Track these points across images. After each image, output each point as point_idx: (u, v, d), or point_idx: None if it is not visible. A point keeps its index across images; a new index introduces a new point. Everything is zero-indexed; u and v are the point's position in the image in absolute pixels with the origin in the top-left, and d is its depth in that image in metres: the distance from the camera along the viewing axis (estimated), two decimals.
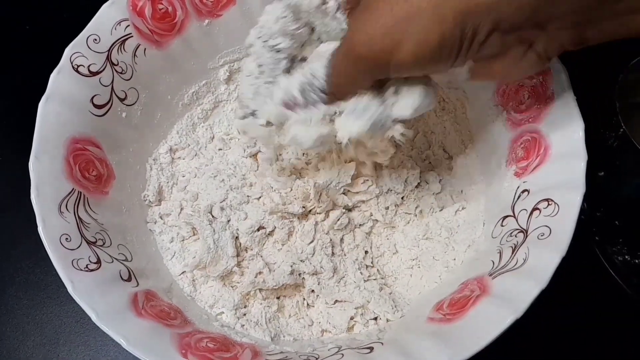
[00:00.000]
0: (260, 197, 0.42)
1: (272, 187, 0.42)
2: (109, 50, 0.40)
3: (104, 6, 0.40)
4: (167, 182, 0.44)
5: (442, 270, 0.41)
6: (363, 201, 0.43)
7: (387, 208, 0.43)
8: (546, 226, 0.34)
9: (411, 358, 0.31)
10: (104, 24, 0.40)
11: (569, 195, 0.34)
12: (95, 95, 0.39)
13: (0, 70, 0.56)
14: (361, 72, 0.32)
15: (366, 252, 0.42)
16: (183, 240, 0.42)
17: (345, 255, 0.42)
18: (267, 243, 0.42)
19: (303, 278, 0.41)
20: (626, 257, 0.43)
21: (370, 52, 0.30)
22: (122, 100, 0.41)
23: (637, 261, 0.43)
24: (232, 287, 0.40)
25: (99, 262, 0.34)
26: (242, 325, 0.38)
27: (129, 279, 0.35)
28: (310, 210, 0.42)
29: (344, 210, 0.42)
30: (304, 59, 0.35)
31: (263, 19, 0.35)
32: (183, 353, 0.31)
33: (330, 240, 0.41)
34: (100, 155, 0.39)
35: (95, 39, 0.39)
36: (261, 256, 0.41)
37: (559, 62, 0.36)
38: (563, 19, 0.28)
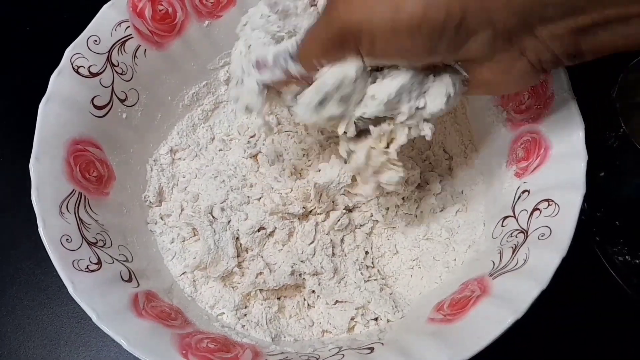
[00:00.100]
0: (260, 198, 0.42)
1: (272, 188, 0.42)
2: (109, 51, 0.40)
3: (104, 7, 0.40)
4: (168, 183, 0.44)
5: (442, 270, 0.41)
6: (363, 202, 0.43)
7: (387, 209, 0.43)
8: (546, 226, 0.34)
9: (412, 358, 0.31)
10: (104, 25, 0.40)
11: (569, 195, 0.34)
12: (95, 97, 0.39)
13: (0, 70, 0.56)
14: (330, 38, 0.30)
15: (366, 252, 0.42)
16: (184, 241, 0.42)
17: (345, 255, 0.42)
18: (268, 244, 0.42)
19: (303, 279, 0.41)
20: (626, 257, 0.43)
21: (343, 13, 0.28)
22: (122, 101, 0.41)
23: (637, 261, 0.43)
24: (232, 287, 0.40)
25: (99, 262, 0.34)
26: (243, 326, 0.38)
27: (129, 280, 0.35)
28: (310, 211, 0.42)
29: (344, 210, 0.42)
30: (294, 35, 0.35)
31: (252, 11, 0.35)
32: (184, 353, 0.31)
33: (331, 240, 0.41)
34: (101, 156, 0.39)
35: (96, 40, 0.39)
36: (262, 257, 0.41)
37: None
38: (554, 22, 0.27)
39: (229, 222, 0.41)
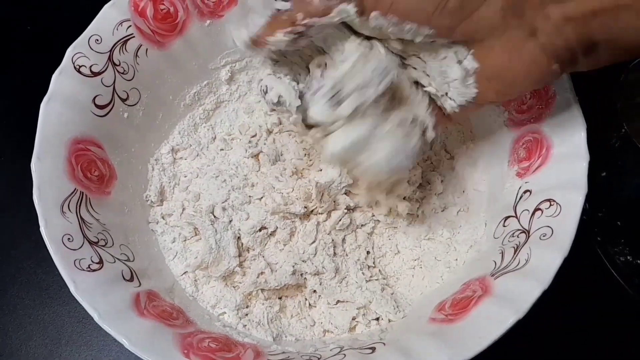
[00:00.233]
0: (262, 198, 0.42)
1: (273, 187, 0.42)
2: (110, 51, 0.40)
3: (106, 6, 0.40)
4: (169, 183, 0.44)
5: (444, 270, 0.41)
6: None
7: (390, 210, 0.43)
8: (548, 226, 0.34)
9: (413, 358, 0.31)
10: (105, 24, 0.40)
11: (571, 195, 0.34)
12: (97, 96, 0.39)
13: (0, 70, 0.56)
14: None
15: (368, 252, 0.42)
16: (185, 241, 0.42)
17: (347, 255, 0.42)
18: (269, 243, 0.42)
19: (305, 278, 0.41)
20: (628, 257, 0.44)
21: None
22: (123, 100, 0.41)
23: (638, 261, 0.43)
24: (234, 287, 0.40)
25: (101, 262, 0.34)
26: (244, 326, 0.38)
27: (131, 279, 0.35)
28: (312, 211, 0.42)
29: (345, 210, 0.42)
30: None
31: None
32: (185, 353, 0.31)
33: (332, 240, 0.41)
34: (102, 156, 0.39)
35: (97, 40, 0.39)
36: (263, 256, 0.41)
37: None
38: (564, 0, 0.27)
39: (231, 221, 0.41)
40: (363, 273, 0.41)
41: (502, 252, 0.36)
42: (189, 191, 0.43)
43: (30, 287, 0.47)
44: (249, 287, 0.39)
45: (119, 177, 0.40)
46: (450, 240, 0.42)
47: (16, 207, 0.49)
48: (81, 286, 0.32)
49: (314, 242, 0.41)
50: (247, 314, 0.39)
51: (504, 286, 0.33)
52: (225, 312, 0.39)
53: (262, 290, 0.40)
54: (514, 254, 0.35)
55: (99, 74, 0.39)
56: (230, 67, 0.47)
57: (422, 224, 0.43)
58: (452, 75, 0.33)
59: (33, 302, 0.46)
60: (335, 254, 0.41)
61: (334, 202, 0.42)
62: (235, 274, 0.41)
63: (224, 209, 0.42)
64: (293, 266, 0.40)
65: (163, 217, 0.43)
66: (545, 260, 0.32)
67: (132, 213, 0.41)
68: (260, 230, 0.41)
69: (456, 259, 0.41)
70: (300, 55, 0.37)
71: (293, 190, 0.42)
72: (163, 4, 0.41)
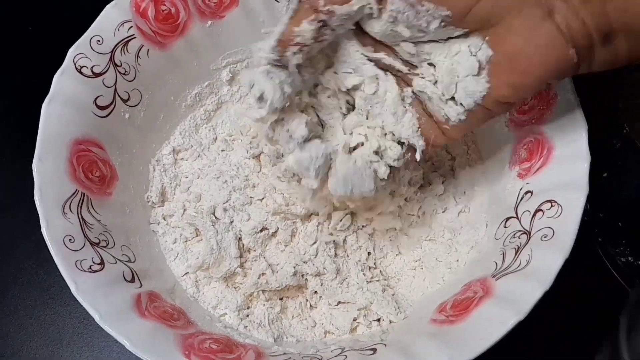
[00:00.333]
0: (263, 198, 0.42)
1: (274, 188, 0.42)
2: (112, 52, 0.40)
3: (107, 7, 0.40)
4: (170, 183, 0.44)
5: (445, 271, 0.41)
6: None
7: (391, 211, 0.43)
8: (549, 227, 0.34)
9: (414, 359, 0.31)
10: (107, 25, 0.40)
11: (572, 196, 0.34)
12: (98, 97, 0.39)
13: (1, 70, 0.56)
14: None
15: (369, 253, 0.42)
16: (186, 242, 0.42)
17: (348, 256, 0.42)
18: (270, 244, 0.42)
19: (306, 279, 0.41)
20: (629, 258, 0.43)
21: None
22: (125, 101, 0.41)
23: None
24: (235, 288, 0.40)
25: (102, 263, 0.34)
26: (245, 327, 0.38)
27: (132, 280, 0.35)
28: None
29: (346, 211, 0.42)
30: None
31: None
32: (186, 354, 0.31)
33: (333, 241, 0.41)
34: (104, 157, 0.39)
35: (99, 40, 0.39)
36: (264, 257, 0.41)
37: None
38: None
39: (232, 222, 0.41)
40: (364, 274, 0.41)
41: (503, 253, 0.36)
42: (190, 192, 0.43)
43: (32, 287, 0.47)
44: (250, 288, 0.39)
45: (120, 178, 0.40)
46: (451, 241, 0.42)
47: (16, 207, 0.49)
48: (82, 287, 0.32)
49: (315, 243, 0.41)
50: (248, 315, 0.39)
51: (505, 287, 0.33)
52: (226, 313, 0.39)
53: (263, 291, 0.40)
54: (515, 255, 0.35)
55: (100, 74, 0.39)
56: (231, 68, 0.47)
57: (423, 225, 0.43)
58: (463, 72, 0.32)
59: (34, 302, 0.46)
60: (336, 254, 0.41)
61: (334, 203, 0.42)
62: (236, 275, 0.41)
63: (225, 209, 0.42)
64: (294, 267, 0.40)
65: (164, 218, 0.43)
66: (546, 261, 0.32)
67: (133, 214, 0.41)
68: (261, 231, 0.41)
69: (457, 260, 0.41)
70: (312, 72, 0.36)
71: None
72: (164, 5, 0.41)
